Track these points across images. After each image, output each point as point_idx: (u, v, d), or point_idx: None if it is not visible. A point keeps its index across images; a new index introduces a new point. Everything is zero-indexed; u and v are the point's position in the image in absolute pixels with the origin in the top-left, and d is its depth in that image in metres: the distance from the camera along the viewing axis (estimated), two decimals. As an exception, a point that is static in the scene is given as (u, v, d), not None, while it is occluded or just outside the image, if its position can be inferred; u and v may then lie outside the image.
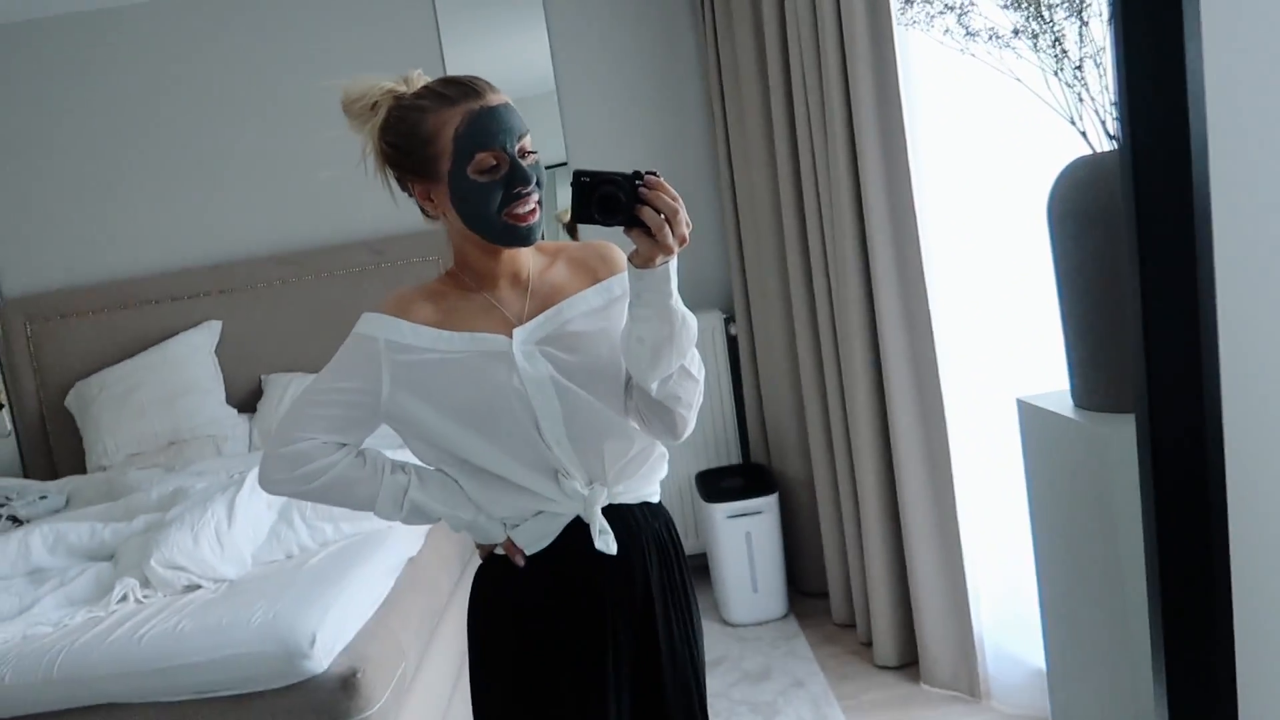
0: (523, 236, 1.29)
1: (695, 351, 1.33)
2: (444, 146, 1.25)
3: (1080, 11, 1.10)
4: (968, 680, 2.66)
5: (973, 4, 1.20)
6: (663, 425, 1.36)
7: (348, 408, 1.34)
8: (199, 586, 2.24)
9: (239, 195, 3.69)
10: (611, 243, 1.45)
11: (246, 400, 3.57)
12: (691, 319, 1.29)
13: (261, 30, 3.63)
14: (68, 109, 3.64)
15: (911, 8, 1.34)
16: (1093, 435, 1.12)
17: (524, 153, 1.28)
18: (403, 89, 1.33)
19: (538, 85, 3.66)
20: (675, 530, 1.50)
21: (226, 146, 3.67)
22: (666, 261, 1.22)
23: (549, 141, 3.68)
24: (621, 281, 1.38)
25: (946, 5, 1.29)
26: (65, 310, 3.62)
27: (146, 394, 3.38)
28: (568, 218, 1.22)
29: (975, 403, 2.52)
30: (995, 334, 2.39)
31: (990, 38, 1.20)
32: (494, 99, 1.27)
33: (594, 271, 1.40)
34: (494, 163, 1.25)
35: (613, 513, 1.39)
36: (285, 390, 3.41)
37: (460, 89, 1.27)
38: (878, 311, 2.63)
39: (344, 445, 1.37)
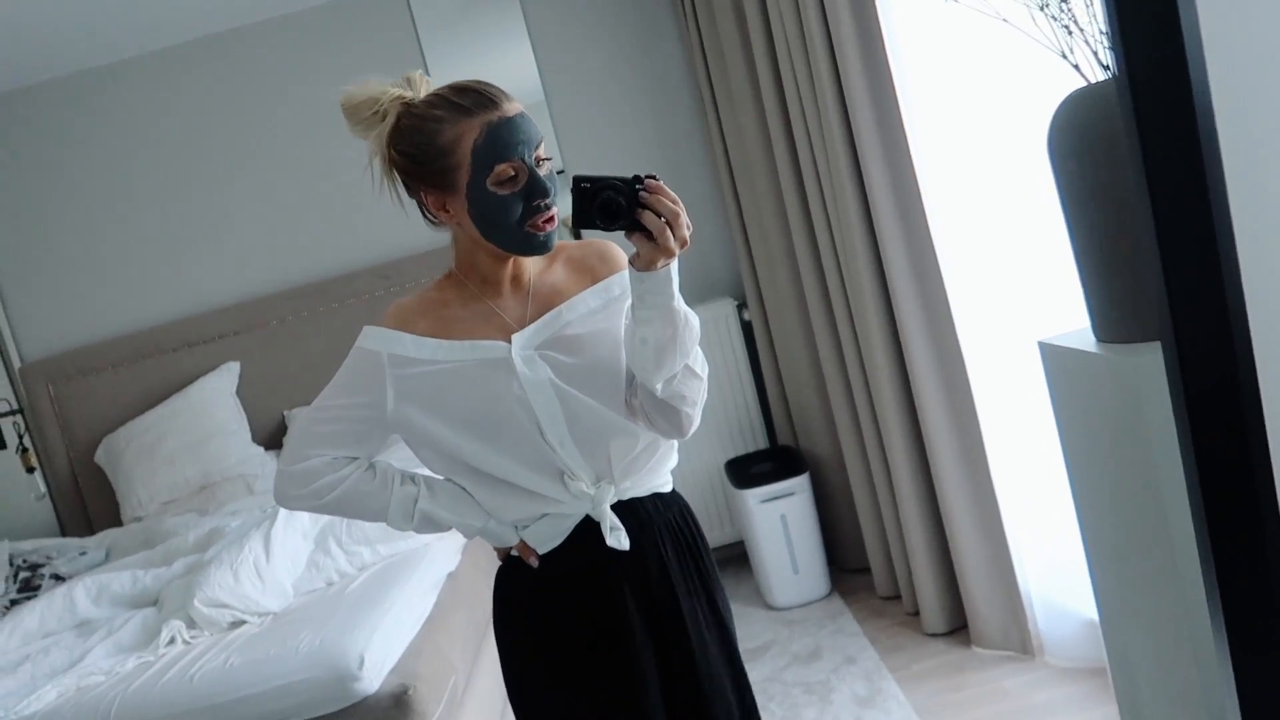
0: (540, 245, 1.30)
1: (699, 350, 1.34)
2: (462, 159, 1.25)
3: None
4: (1019, 638, 2.64)
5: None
6: (668, 424, 1.36)
7: (354, 423, 1.36)
8: (244, 622, 2.25)
9: (244, 236, 3.72)
10: (611, 242, 1.45)
11: (272, 437, 3.59)
12: (694, 318, 1.29)
13: (248, 73, 3.66)
14: (67, 170, 3.68)
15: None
16: (1118, 366, 1.10)
17: (539, 161, 1.28)
18: (409, 94, 1.31)
19: (526, 96, 3.66)
20: (691, 517, 1.50)
21: (226, 190, 3.70)
22: (668, 264, 1.22)
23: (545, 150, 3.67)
24: (620, 281, 1.38)
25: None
26: (85, 368, 3.65)
27: (174, 441, 3.40)
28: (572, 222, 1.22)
29: (996, 356, 2.51)
30: (1008, 283, 2.37)
31: (972, -20, 1.20)
32: (510, 108, 1.27)
33: (593, 271, 1.41)
34: (513, 174, 1.25)
35: (623, 507, 1.40)
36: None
37: (476, 98, 1.27)
38: (889, 277, 2.62)
39: (354, 459, 1.40)
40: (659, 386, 1.30)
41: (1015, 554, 2.59)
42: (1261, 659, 0.77)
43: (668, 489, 1.48)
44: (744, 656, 2.99)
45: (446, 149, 1.25)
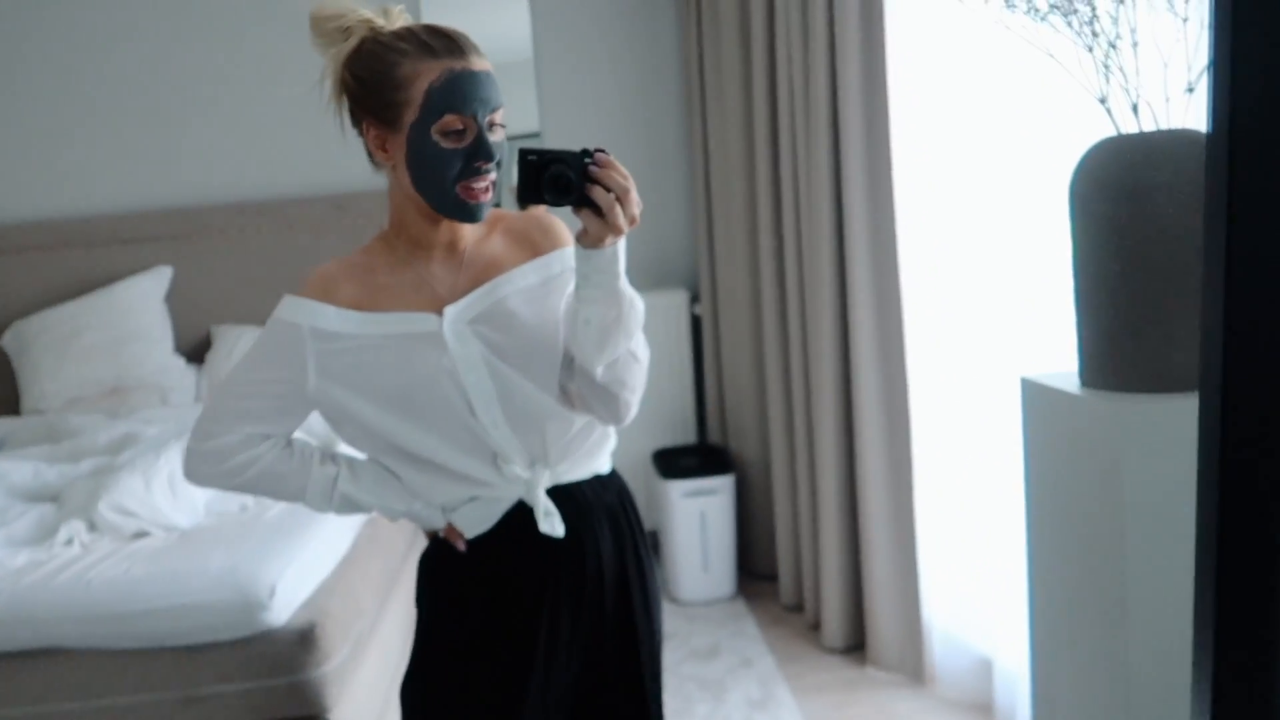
0: (471, 213, 1.23)
1: (641, 334, 1.29)
2: (413, 97, 1.19)
3: (1119, -11, 1.10)
4: (914, 665, 2.70)
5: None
6: (606, 410, 1.31)
7: (272, 399, 1.29)
8: (148, 534, 2.16)
9: (198, 137, 3.57)
10: (555, 216, 1.38)
11: (195, 350, 3.46)
12: (639, 301, 1.25)
13: (231, -30, 3.51)
14: (16, 34, 3.48)
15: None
16: (1108, 414, 1.11)
17: (493, 125, 1.22)
18: (381, 22, 1.24)
19: (516, 53, 3.60)
20: (631, 500, 1.44)
21: (190, 87, 3.55)
22: (616, 242, 1.18)
23: (523, 111, 3.63)
24: (561, 258, 1.33)
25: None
26: (4, 246, 3.47)
27: (91, 338, 3.25)
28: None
29: (940, 391, 2.55)
30: (968, 321, 2.42)
31: (1029, 10, 1.21)
32: (478, 64, 1.21)
33: (534, 244, 1.34)
34: (460, 128, 1.19)
35: (560, 491, 1.34)
36: (235, 343, 3.31)
37: (447, 43, 1.20)
38: (849, 296, 2.65)
39: (270, 437, 1.32)
40: (600, 370, 1.25)
41: (924, 583, 2.65)
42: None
43: (607, 469, 1.42)
44: (645, 644, 3.00)
45: (401, 82, 1.19)
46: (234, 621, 1.87)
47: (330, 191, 3.55)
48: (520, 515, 1.32)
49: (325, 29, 1.26)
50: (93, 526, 2.16)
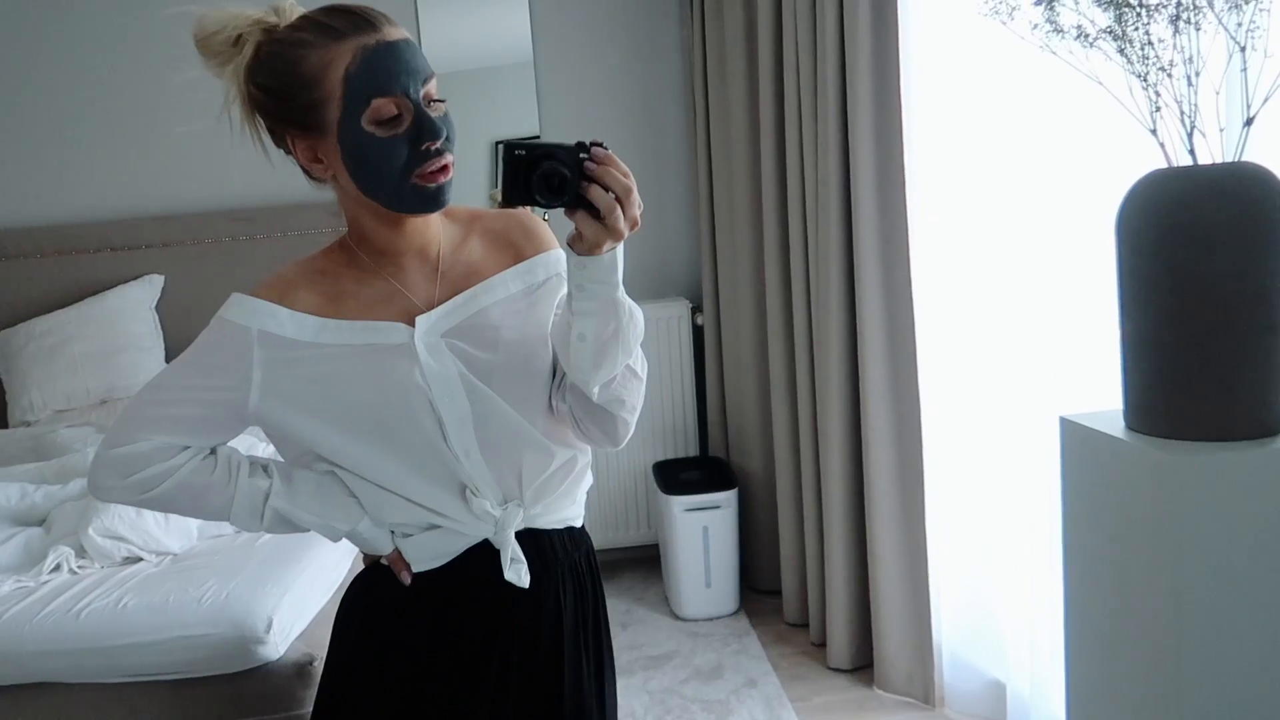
0: (433, 199, 1.09)
1: (639, 348, 1.16)
2: (331, 91, 1.04)
3: (1176, 19, 1.04)
4: (923, 687, 2.65)
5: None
6: (601, 431, 1.19)
7: (207, 407, 1.14)
8: (139, 559, 2.10)
9: (191, 143, 3.46)
10: (536, 215, 1.25)
11: (187, 361, 3.38)
12: (638, 312, 1.11)
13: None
14: (6, 41, 3.40)
15: (995, -4, 1.23)
16: (1161, 463, 1.05)
17: (429, 100, 1.07)
18: (274, 20, 1.11)
19: (515, 55, 3.53)
20: (597, 565, 1.31)
21: (181, 91, 3.45)
22: (614, 248, 1.04)
23: (523, 114, 3.56)
24: (546, 263, 1.21)
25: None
26: (-8, 253, 3.39)
27: (80, 348, 3.17)
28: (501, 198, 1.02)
29: (951, 411, 2.50)
30: (981, 343, 2.36)
31: (1078, 36, 1.14)
32: (392, 33, 1.06)
33: (516, 247, 1.21)
34: (395, 112, 1.05)
35: (528, 538, 1.20)
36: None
37: (350, 19, 1.06)
38: (858, 311, 2.59)
39: (189, 447, 1.16)
40: (596, 390, 1.12)
41: (934, 601, 2.59)
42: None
43: (579, 523, 1.30)
44: (645, 664, 2.97)
45: (312, 79, 1.05)
46: (229, 655, 1.80)
47: (325, 197, 3.45)
48: (478, 557, 1.19)
49: (213, 46, 1.13)
50: (82, 552, 2.08)
